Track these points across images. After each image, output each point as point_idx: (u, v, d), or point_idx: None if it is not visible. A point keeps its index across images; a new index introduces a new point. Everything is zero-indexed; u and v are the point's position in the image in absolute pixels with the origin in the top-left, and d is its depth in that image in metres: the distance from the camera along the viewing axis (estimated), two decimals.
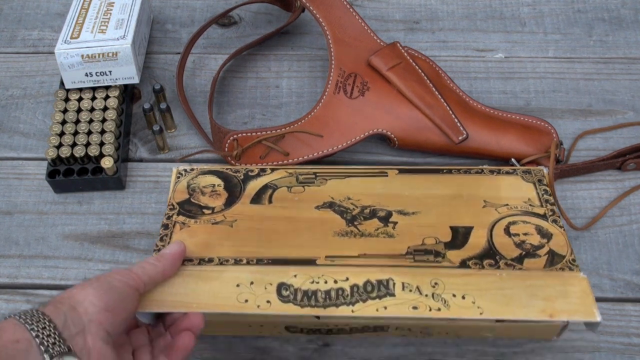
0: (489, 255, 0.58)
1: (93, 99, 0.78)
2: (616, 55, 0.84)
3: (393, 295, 0.55)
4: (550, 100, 0.80)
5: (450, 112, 0.72)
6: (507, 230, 0.60)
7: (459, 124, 0.71)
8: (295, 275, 0.56)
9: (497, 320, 0.60)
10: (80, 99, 0.78)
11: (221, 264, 0.58)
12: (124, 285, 0.53)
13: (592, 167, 0.74)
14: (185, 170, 0.67)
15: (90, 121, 0.76)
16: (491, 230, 0.60)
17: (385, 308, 0.54)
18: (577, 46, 0.85)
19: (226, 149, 0.72)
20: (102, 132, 0.76)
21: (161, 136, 0.76)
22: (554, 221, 0.61)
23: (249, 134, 0.72)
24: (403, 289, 0.55)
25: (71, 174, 0.74)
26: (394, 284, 0.55)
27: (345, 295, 0.55)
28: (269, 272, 0.57)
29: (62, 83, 0.79)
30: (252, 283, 0.56)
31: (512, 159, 0.70)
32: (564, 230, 0.60)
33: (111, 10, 0.80)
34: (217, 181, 0.66)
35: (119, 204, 0.75)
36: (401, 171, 0.66)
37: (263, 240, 0.60)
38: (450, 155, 0.74)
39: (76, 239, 0.72)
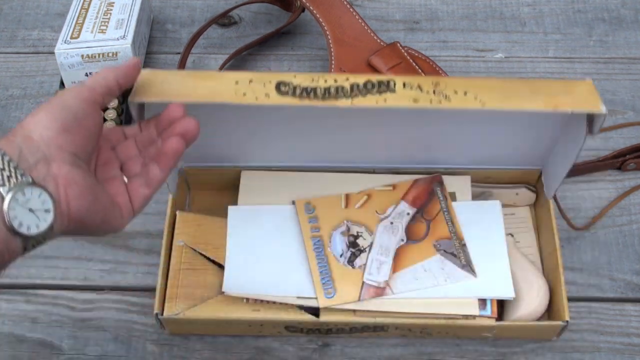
0: None
1: None
2: (616, 55, 0.84)
3: (394, 91, 0.53)
4: None
5: None
6: None
7: None
8: (295, 76, 0.54)
9: (497, 320, 0.61)
10: None
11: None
12: (79, 102, 0.47)
13: (592, 167, 0.74)
14: None
15: None
16: None
17: (385, 100, 0.52)
18: (577, 46, 0.85)
19: None
20: None
21: None
22: None
23: None
24: (404, 87, 0.53)
25: None
26: (394, 83, 0.53)
27: (345, 91, 0.53)
28: (269, 74, 0.55)
29: (62, 83, 0.79)
30: (251, 81, 0.54)
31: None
32: None
33: (111, 10, 0.80)
34: None
35: None
36: None
37: None
38: None
39: (76, 239, 0.72)
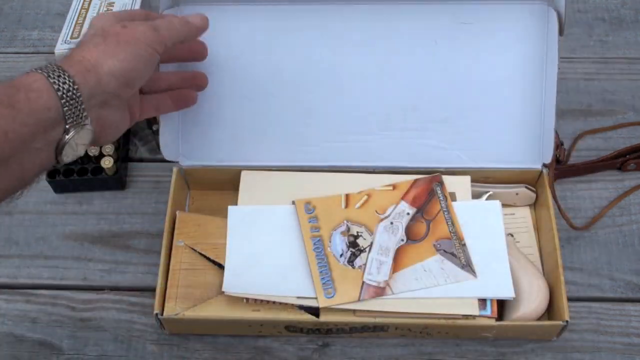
0: None
1: None
2: (616, 55, 0.84)
3: None
4: None
5: None
6: None
7: None
8: None
9: (497, 320, 0.61)
10: None
11: None
12: (151, 55, 0.53)
13: (592, 167, 0.74)
14: None
15: None
16: None
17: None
18: (577, 46, 0.85)
19: None
20: None
21: None
22: None
23: None
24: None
25: (71, 174, 0.74)
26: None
27: None
28: None
29: None
30: None
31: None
32: None
33: (111, 10, 0.80)
34: None
35: (119, 204, 0.75)
36: None
37: None
38: None
39: (76, 239, 0.72)
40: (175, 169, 0.69)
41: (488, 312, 0.61)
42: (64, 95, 0.47)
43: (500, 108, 0.70)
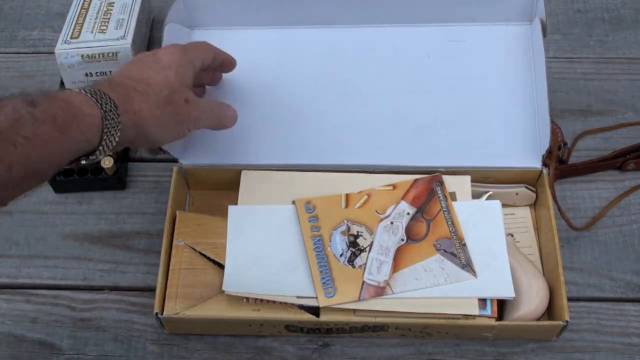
0: None
1: None
2: (616, 55, 0.84)
3: None
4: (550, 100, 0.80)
5: None
6: None
7: None
8: None
9: (497, 320, 0.61)
10: None
11: None
12: (185, 133, 0.60)
13: (592, 167, 0.74)
14: None
15: None
16: None
17: None
18: (577, 46, 0.85)
19: None
20: None
21: None
22: None
23: None
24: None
25: (71, 174, 0.74)
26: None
27: None
28: None
29: (62, 83, 0.79)
30: None
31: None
32: None
33: (111, 10, 0.80)
34: None
35: (119, 204, 0.75)
36: None
37: None
38: None
39: (76, 239, 0.72)
40: (175, 169, 0.69)
41: (488, 312, 0.61)
42: (108, 139, 0.52)
43: (498, 108, 0.70)
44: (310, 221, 0.65)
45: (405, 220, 0.65)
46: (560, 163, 0.73)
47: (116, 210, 0.74)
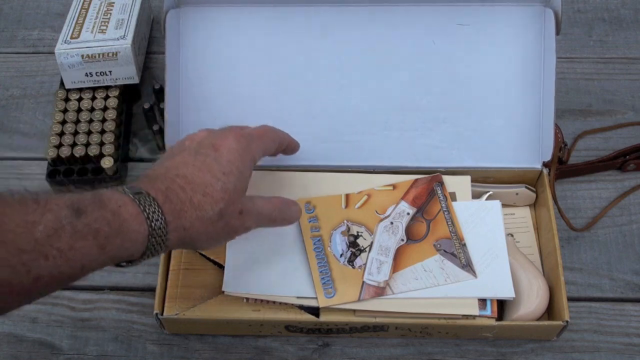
0: None
1: (93, 99, 0.78)
2: (616, 55, 0.84)
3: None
4: None
5: None
6: None
7: None
8: None
9: (497, 320, 0.61)
10: (80, 99, 0.78)
11: None
12: (246, 182, 0.55)
13: (592, 167, 0.74)
14: None
15: (90, 121, 0.76)
16: None
17: None
18: (577, 46, 0.85)
19: None
20: (102, 132, 0.76)
21: (161, 136, 0.76)
22: None
23: None
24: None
25: (71, 174, 0.74)
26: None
27: None
28: None
29: (62, 83, 0.79)
30: None
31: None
32: None
33: (111, 10, 0.80)
34: None
35: None
36: None
37: None
38: None
39: None
40: None
41: (488, 312, 0.61)
42: (151, 253, 0.48)
43: (499, 108, 0.70)
44: (310, 221, 0.65)
45: (405, 220, 0.65)
46: (560, 163, 0.73)
47: None
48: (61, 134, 0.75)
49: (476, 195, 0.68)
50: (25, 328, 0.67)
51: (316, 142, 0.70)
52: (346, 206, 0.66)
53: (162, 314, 0.62)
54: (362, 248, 0.64)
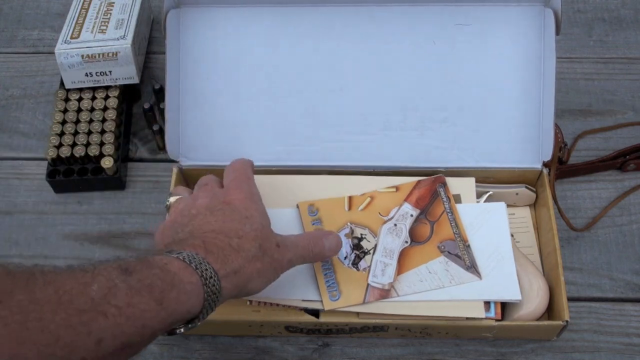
0: None
1: (93, 99, 0.78)
2: (616, 55, 0.84)
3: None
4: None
5: None
6: None
7: None
8: None
9: (497, 320, 0.61)
10: (80, 99, 0.78)
11: None
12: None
13: (592, 167, 0.74)
14: None
15: (90, 121, 0.76)
16: None
17: None
18: (577, 46, 0.86)
19: None
20: (102, 132, 0.75)
21: (161, 136, 0.76)
22: None
23: None
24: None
25: (71, 174, 0.74)
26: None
27: None
28: None
29: (62, 83, 0.79)
30: None
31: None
32: None
33: (111, 10, 0.80)
34: None
35: (119, 204, 0.75)
36: None
37: None
38: None
39: (76, 239, 0.72)
40: (175, 169, 0.69)
41: (492, 314, 0.61)
42: (210, 305, 0.48)
43: (499, 108, 0.70)
44: (313, 224, 0.65)
45: (408, 222, 0.65)
46: (560, 163, 0.73)
47: (116, 210, 0.74)
48: (61, 134, 0.75)
49: (476, 195, 0.68)
50: None
51: (316, 142, 0.70)
52: (349, 208, 0.66)
53: None
54: (366, 250, 0.64)
